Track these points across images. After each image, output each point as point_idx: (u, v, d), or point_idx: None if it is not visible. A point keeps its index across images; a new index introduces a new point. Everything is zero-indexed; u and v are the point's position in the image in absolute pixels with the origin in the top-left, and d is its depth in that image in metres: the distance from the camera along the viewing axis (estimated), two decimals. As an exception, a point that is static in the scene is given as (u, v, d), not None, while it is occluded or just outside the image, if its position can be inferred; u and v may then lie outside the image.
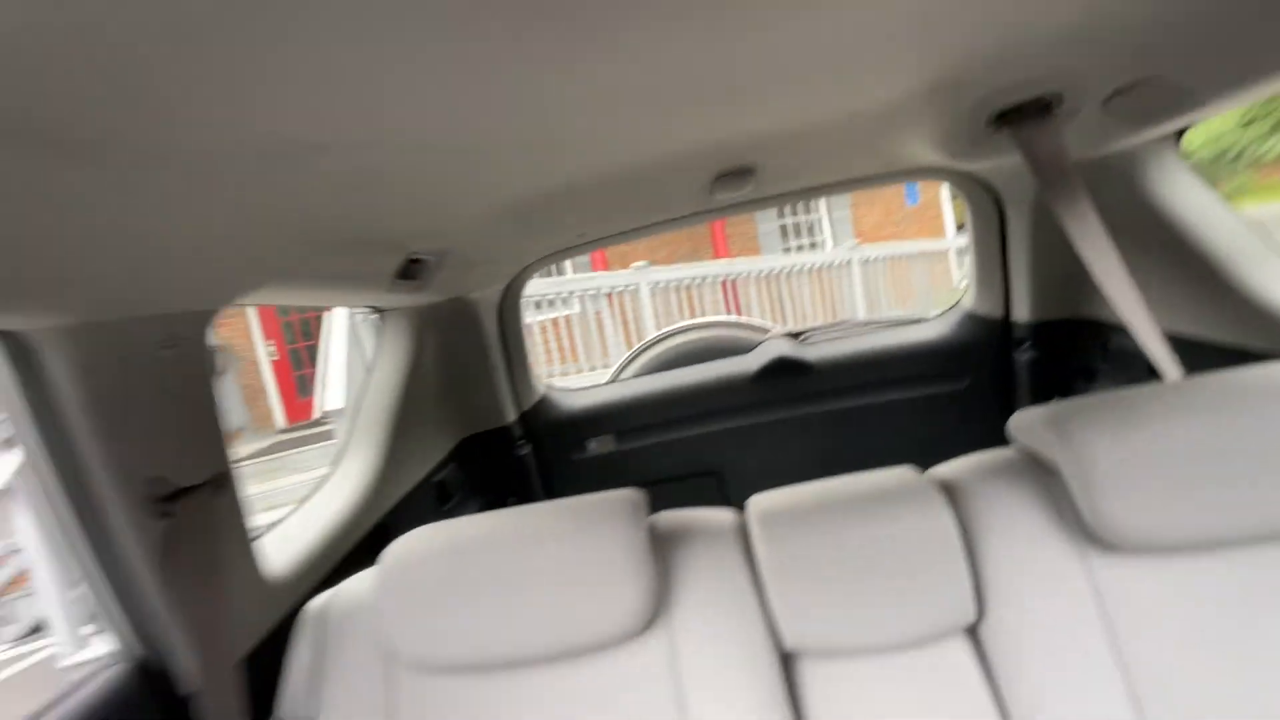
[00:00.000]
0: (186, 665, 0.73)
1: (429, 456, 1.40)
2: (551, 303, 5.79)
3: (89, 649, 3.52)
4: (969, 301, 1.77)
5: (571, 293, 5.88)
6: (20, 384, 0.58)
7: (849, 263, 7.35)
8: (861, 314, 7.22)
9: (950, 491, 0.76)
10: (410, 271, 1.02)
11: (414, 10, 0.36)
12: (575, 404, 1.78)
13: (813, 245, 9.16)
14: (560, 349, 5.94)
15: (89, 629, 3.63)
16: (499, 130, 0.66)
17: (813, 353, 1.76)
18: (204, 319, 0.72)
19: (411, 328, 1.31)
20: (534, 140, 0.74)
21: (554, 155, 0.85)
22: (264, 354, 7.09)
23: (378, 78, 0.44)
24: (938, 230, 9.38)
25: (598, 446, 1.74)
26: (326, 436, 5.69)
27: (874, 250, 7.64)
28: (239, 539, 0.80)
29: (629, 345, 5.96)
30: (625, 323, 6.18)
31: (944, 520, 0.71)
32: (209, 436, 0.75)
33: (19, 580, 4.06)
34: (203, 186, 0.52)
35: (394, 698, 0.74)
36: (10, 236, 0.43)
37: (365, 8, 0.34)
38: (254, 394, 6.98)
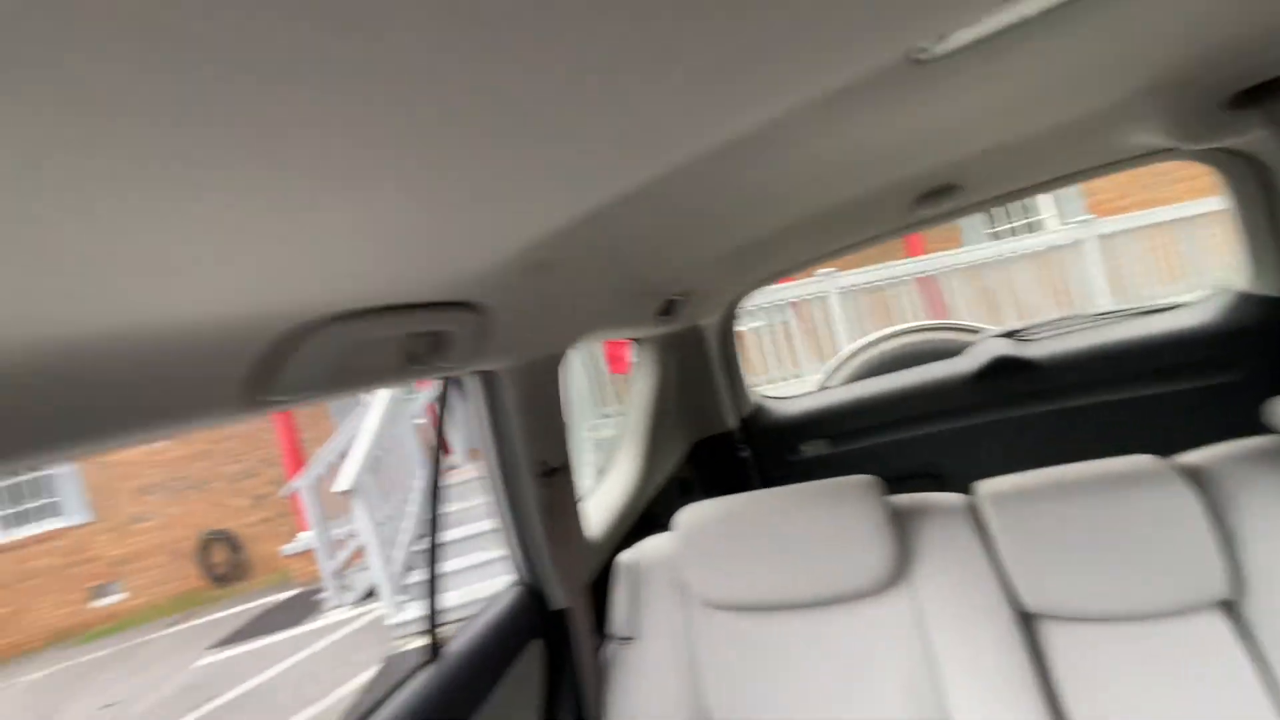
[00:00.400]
0: (553, 590, 1.07)
1: (673, 456, 1.70)
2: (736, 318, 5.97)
3: (404, 613, 4.58)
4: (1241, 281, 1.57)
5: (757, 305, 6.02)
6: (488, 405, 0.97)
7: (1079, 243, 6.31)
8: (1104, 302, 6.13)
9: (1196, 474, 0.79)
10: (666, 309, 1.32)
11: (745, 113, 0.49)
12: (787, 411, 1.96)
13: (1029, 226, 8.02)
14: (747, 363, 6.09)
15: (403, 598, 4.72)
16: (745, 190, 0.89)
17: (1037, 350, 1.70)
18: (560, 356, 1.07)
19: (659, 352, 1.62)
20: (765, 193, 0.96)
21: (777, 203, 1.06)
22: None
23: (712, 176, 0.67)
24: (1208, 186, 7.55)
25: (811, 450, 1.89)
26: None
27: (1115, 223, 6.42)
28: (574, 506, 1.15)
29: (818, 356, 5.90)
30: (812, 333, 6.11)
31: (1185, 499, 0.75)
32: (561, 433, 1.11)
33: (356, 557, 5.45)
34: (599, 272, 0.84)
35: (690, 625, 1.00)
36: (512, 329, 0.79)
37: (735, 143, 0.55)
38: (493, 414, 8.31)
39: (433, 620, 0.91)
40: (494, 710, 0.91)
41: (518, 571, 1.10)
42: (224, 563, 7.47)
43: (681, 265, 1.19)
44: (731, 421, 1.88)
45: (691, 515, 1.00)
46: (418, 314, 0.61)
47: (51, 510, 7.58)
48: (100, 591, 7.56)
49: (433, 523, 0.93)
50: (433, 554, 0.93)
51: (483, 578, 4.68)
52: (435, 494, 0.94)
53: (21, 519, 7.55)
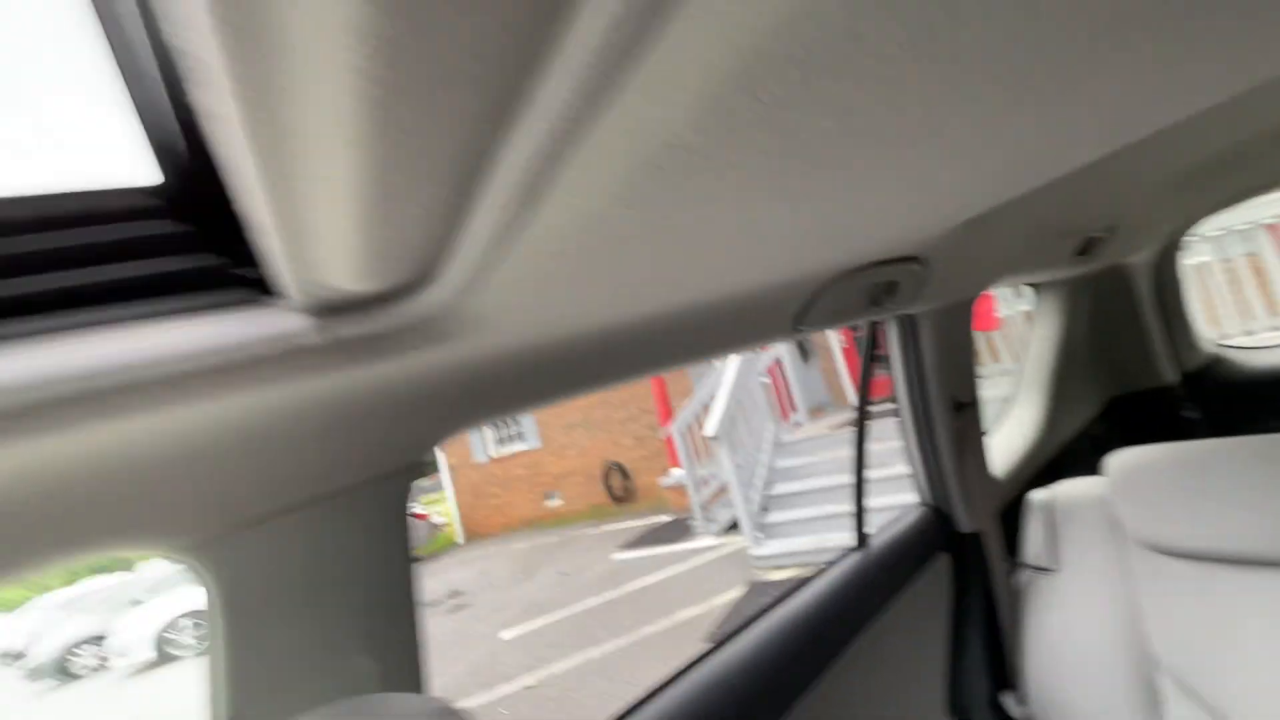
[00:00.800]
0: (960, 513, 1.18)
1: (1084, 411, 1.56)
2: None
3: (762, 548, 5.16)
4: None
5: (1200, 236, 4.48)
6: (904, 345, 1.14)
7: None
8: None
9: None
10: (1084, 248, 1.24)
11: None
12: (1267, 363, 1.54)
13: None
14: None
15: (760, 535, 5.32)
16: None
17: None
18: (972, 300, 1.15)
19: (1067, 296, 1.51)
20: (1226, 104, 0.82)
21: (1261, 101, 0.89)
22: (835, 343, 8.41)
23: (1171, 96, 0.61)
24: None
25: None
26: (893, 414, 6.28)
27: None
28: (980, 441, 1.22)
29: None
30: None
31: None
32: (970, 371, 1.19)
33: (719, 494, 6.35)
34: (1023, 215, 0.91)
35: (1127, 567, 0.99)
36: (942, 277, 0.93)
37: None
38: (830, 377, 8.38)
39: (859, 516, 1.14)
40: (907, 602, 1.09)
41: (922, 494, 1.24)
42: (619, 486, 9.59)
43: (1110, 197, 1.11)
44: (1169, 375, 1.59)
45: (1134, 458, 0.97)
46: (883, 268, 0.81)
47: (520, 437, 10.95)
48: (548, 496, 10.63)
49: (860, 441, 1.15)
50: (859, 466, 1.15)
51: (829, 529, 4.91)
52: (863, 419, 1.15)
53: (505, 441, 11.12)
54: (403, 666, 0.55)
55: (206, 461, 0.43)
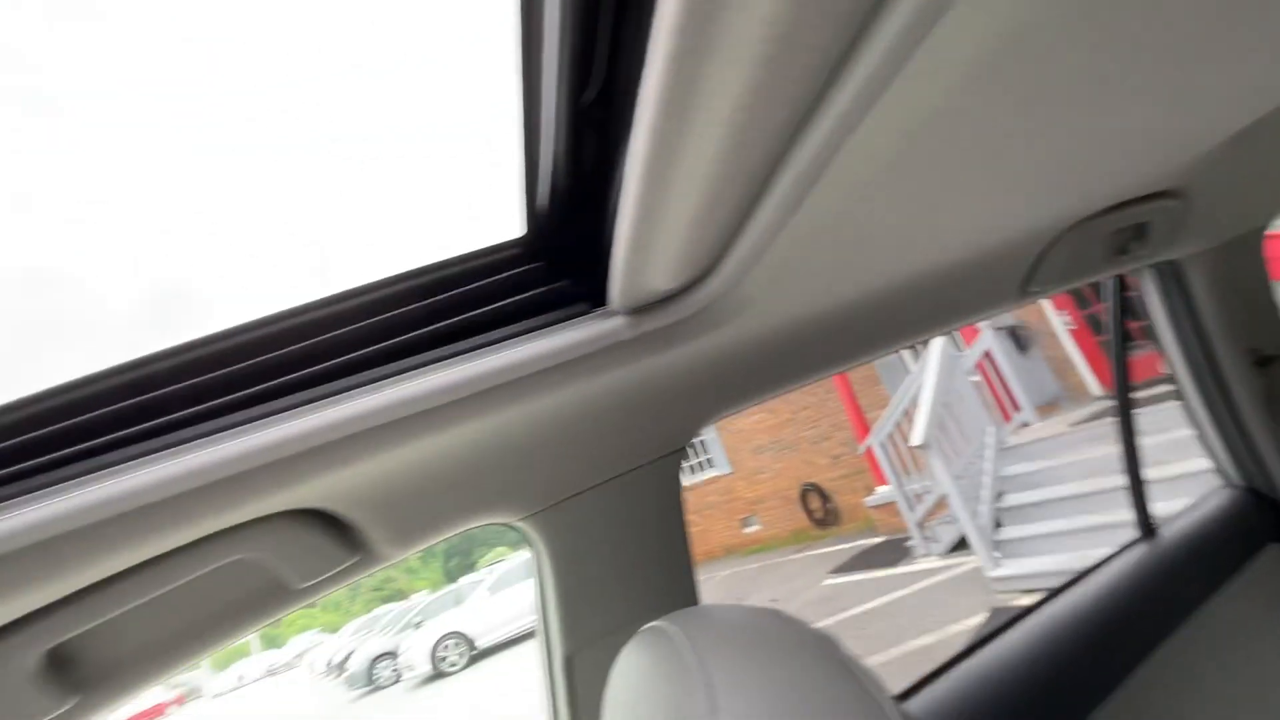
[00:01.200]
0: None
1: None
2: None
3: (1002, 568, 4.52)
4: None
5: None
6: (1166, 297, 0.99)
7: None
8: None
9: None
10: None
11: None
12: None
13: None
14: None
15: (997, 554, 4.67)
16: None
17: None
18: (1262, 230, 0.96)
19: None
20: None
21: None
22: (1060, 326, 7.17)
23: None
24: None
25: None
26: (1166, 398, 5.15)
27: None
28: None
29: None
30: None
31: None
32: (1273, 315, 0.98)
33: (938, 509, 5.73)
34: None
35: None
36: (1210, 210, 0.80)
37: None
38: (1061, 365, 7.14)
39: (1141, 500, 0.99)
40: (1231, 604, 0.91)
41: (1227, 473, 1.04)
42: (819, 509, 9.14)
43: None
44: None
45: None
46: (1127, 210, 0.73)
47: (709, 464, 11.08)
48: (745, 522, 10.53)
49: (1125, 419, 1.00)
50: (1130, 442, 1.00)
51: (1085, 544, 4.13)
52: (1125, 393, 1.01)
53: (695, 469, 11.35)
54: None
55: (539, 445, 0.57)
